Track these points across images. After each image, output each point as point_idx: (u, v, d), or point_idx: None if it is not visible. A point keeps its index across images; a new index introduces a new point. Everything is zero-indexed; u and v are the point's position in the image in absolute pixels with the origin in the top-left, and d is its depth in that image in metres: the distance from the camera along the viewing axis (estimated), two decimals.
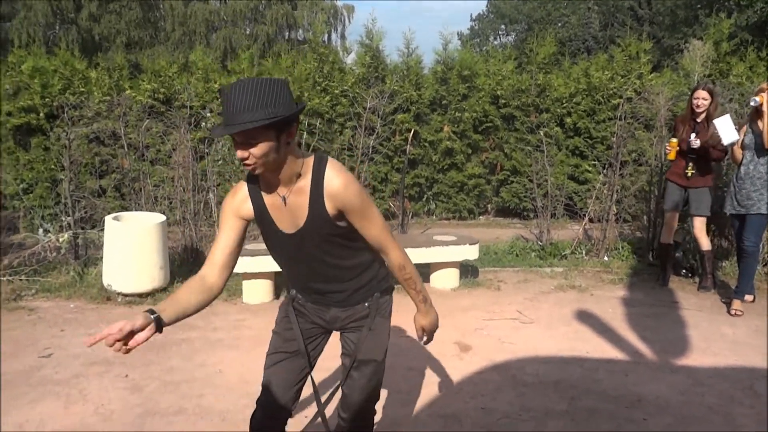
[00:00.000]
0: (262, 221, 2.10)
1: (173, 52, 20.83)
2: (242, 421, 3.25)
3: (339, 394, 2.42)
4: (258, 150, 1.88)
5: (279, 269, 5.30)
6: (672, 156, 5.44)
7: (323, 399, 2.44)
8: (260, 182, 2.06)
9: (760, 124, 4.95)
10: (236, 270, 5.13)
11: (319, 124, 8.72)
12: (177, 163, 6.55)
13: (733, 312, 5.01)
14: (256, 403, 2.31)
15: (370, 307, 2.26)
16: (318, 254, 2.11)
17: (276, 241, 2.14)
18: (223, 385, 3.70)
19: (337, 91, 9.17)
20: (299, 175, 2.00)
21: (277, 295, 5.40)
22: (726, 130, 5.03)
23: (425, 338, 2.40)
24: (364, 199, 2.03)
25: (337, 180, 1.98)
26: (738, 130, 5.10)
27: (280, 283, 5.51)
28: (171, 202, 6.59)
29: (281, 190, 2.03)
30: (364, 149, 7.55)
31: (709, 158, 5.34)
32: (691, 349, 4.32)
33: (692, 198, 5.48)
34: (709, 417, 3.35)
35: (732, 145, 5.05)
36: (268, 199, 2.06)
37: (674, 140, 5.39)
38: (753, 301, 5.30)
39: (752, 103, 4.89)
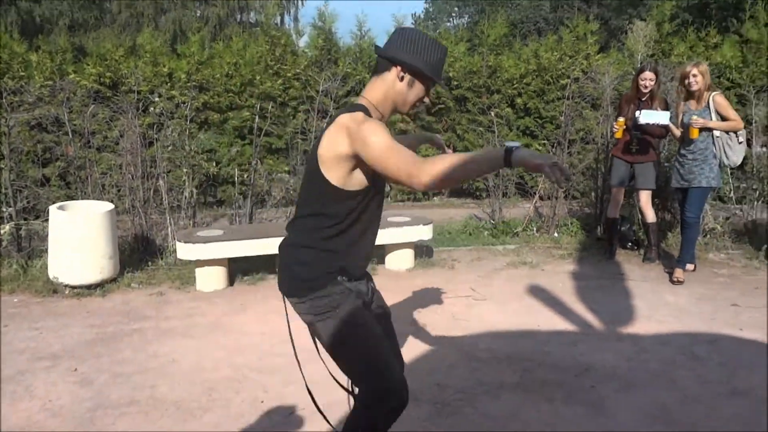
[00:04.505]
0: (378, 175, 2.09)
1: (120, 35, 20.23)
2: (197, 409, 3.24)
3: None
4: None
5: (232, 255, 5.25)
6: (619, 135, 5.60)
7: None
8: None
9: (692, 104, 5.17)
10: (188, 257, 5.10)
11: (272, 107, 8.63)
12: (125, 150, 6.41)
13: (674, 280, 5.20)
14: (398, 389, 2.16)
15: None
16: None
17: (376, 200, 2.19)
18: (177, 374, 3.66)
19: (289, 74, 9.10)
20: None
21: (231, 282, 5.36)
22: (653, 118, 5.27)
23: None
24: None
25: None
26: (673, 109, 5.35)
27: (234, 269, 5.47)
28: (119, 190, 6.45)
29: None
30: (317, 132, 7.50)
31: (653, 135, 5.52)
32: (636, 318, 4.46)
33: (638, 172, 5.65)
34: (653, 381, 3.48)
35: (669, 122, 5.26)
36: None
37: (621, 120, 5.54)
38: (694, 269, 5.50)
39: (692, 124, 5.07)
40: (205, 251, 5.09)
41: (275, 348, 4.03)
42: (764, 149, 7.31)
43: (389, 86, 2.12)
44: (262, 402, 3.32)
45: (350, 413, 2.27)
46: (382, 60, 2.14)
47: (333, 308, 2.12)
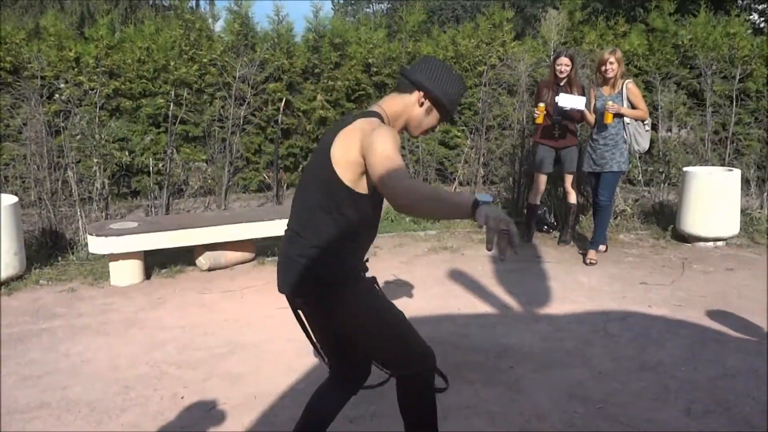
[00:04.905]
0: None
1: (21, 16, 19.07)
2: (113, 409, 3.13)
3: None
4: None
5: (148, 248, 5.07)
6: (540, 120, 5.69)
7: None
8: None
9: (606, 89, 5.35)
10: (101, 251, 4.91)
11: (187, 94, 8.38)
12: (29, 139, 6.07)
13: (588, 262, 5.41)
14: (429, 357, 2.28)
15: None
16: None
17: (380, 202, 2.24)
18: (90, 373, 3.52)
19: (205, 60, 8.83)
20: None
21: (147, 276, 5.19)
22: (571, 102, 5.40)
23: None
24: None
25: None
26: (587, 95, 5.51)
27: (151, 262, 5.30)
28: (24, 182, 6.11)
29: None
30: (235, 120, 7.34)
31: (572, 119, 5.69)
32: (552, 299, 4.62)
33: (564, 157, 5.82)
34: (568, 360, 3.62)
35: (584, 108, 5.42)
36: None
37: (542, 105, 5.64)
38: (606, 250, 5.75)
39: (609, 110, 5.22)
40: (119, 244, 4.90)
41: (195, 341, 3.94)
42: (669, 134, 7.70)
43: (408, 107, 2.23)
44: (182, 398, 3.24)
45: (401, 396, 2.31)
46: (405, 81, 2.23)
47: (365, 298, 2.18)
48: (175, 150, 7.04)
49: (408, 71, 2.24)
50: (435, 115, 2.25)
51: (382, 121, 2.16)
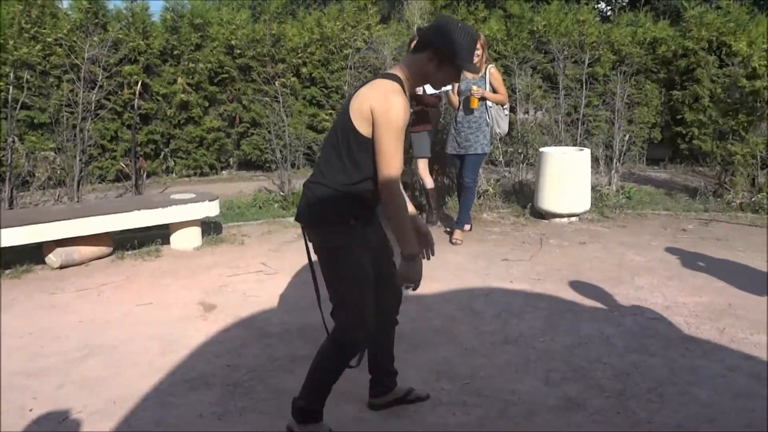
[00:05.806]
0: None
1: None
2: None
3: None
4: None
5: None
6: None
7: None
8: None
9: (469, 75, 5.48)
10: None
11: (30, 77, 7.70)
12: None
13: (454, 241, 5.57)
14: (361, 330, 2.55)
15: None
16: None
17: None
18: None
19: (50, 39, 8.17)
20: None
21: None
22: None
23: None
24: None
25: None
26: None
27: None
28: None
29: None
30: (86, 104, 6.83)
31: (427, 104, 5.77)
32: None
33: (414, 141, 5.89)
34: (436, 338, 3.71)
35: (444, 92, 5.52)
36: None
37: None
38: (470, 229, 5.94)
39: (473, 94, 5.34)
40: None
41: (46, 347, 3.64)
42: (527, 116, 8.09)
43: (421, 65, 2.42)
44: (31, 410, 2.97)
45: (323, 343, 2.59)
46: (419, 40, 2.44)
47: (339, 245, 2.43)
48: (17, 138, 6.44)
49: (421, 30, 2.48)
50: (448, 68, 2.41)
51: (402, 83, 2.38)
